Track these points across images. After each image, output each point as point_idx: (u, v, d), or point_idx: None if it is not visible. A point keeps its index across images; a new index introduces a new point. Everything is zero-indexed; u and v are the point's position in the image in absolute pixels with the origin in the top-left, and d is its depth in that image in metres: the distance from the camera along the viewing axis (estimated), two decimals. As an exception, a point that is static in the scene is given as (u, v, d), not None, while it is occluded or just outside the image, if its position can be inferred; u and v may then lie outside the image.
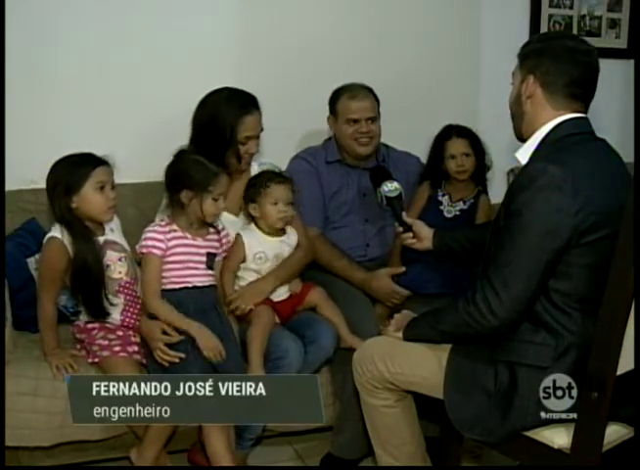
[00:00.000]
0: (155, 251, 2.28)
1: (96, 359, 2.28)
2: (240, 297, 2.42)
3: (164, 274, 2.30)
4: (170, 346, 2.22)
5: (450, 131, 2.79)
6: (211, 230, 2.38)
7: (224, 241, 2.41)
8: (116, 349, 2.27)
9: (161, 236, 2.29)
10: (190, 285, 2.30)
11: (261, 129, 2.55)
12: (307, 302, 2.52)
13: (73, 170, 2.28)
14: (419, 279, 2.62)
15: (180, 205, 2.29)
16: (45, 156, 2.34)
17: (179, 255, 2.30)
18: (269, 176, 2.47)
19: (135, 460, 2.24)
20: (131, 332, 2.34)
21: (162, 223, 2.32)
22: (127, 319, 2.36)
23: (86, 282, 2.28)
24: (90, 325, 2.34)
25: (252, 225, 2.49)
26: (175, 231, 2.31)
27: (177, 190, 2.28)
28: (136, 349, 2.30)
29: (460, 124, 2.80)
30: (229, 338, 2.30)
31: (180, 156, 2.36)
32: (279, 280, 2.48)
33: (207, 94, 2.54)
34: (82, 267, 2.26)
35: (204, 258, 2.33)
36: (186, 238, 2.31)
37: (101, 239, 2.34)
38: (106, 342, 2.29)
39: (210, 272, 2.36)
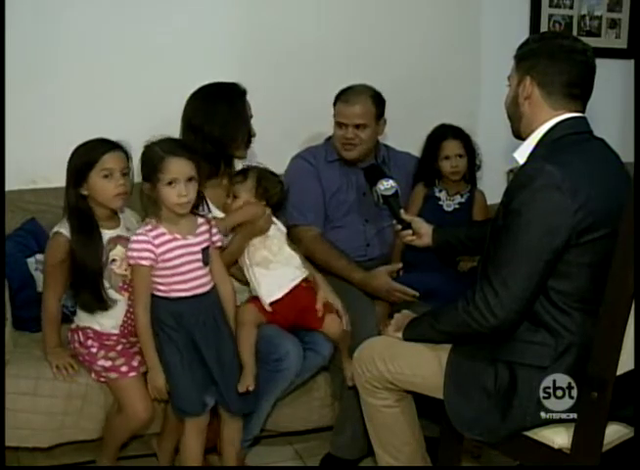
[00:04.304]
0: (142, 262, 2.12)
1: (102, 379, 2.25)
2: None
3: (162, 281, 2.16)
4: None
5: (446, 132, 2.79)
6: (200, 221, 2.23)
7: (214, 231, 2.25)
8: (123, 369, 2.22)
9: (148, 245, 2.13)
10: (189, 294, 2.17)
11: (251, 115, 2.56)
12: (326, 328, 2.42)
13: (82, 157, 2.22)
14: (420, 286, 2.59)
15: (150, 200, 2.16)
16: (45, 156, 2.33)
17: (172, 259, 2.14)
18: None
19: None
20: (128, 344, 2.28)
21: (148, 228, 2.15)
22: (130, 321, 2.27)
23: (81, 273, 2.20)
24: (89, 342, 2.26)
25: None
26: (163, 234, 2.14)
27: (142, 183, 2.17)
28: (140, 359, 2.24)
29: (453, 125, 2.80)
30: (226, 348, 2.21)
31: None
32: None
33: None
34: (78, 258, 2.19)
35: (199, 256, 2.19)
36: (176, 240, 2.15)
37: (110, 233, 2.26)
38: (109, 362, 2.23)
39: (208, 270, 2.23)
